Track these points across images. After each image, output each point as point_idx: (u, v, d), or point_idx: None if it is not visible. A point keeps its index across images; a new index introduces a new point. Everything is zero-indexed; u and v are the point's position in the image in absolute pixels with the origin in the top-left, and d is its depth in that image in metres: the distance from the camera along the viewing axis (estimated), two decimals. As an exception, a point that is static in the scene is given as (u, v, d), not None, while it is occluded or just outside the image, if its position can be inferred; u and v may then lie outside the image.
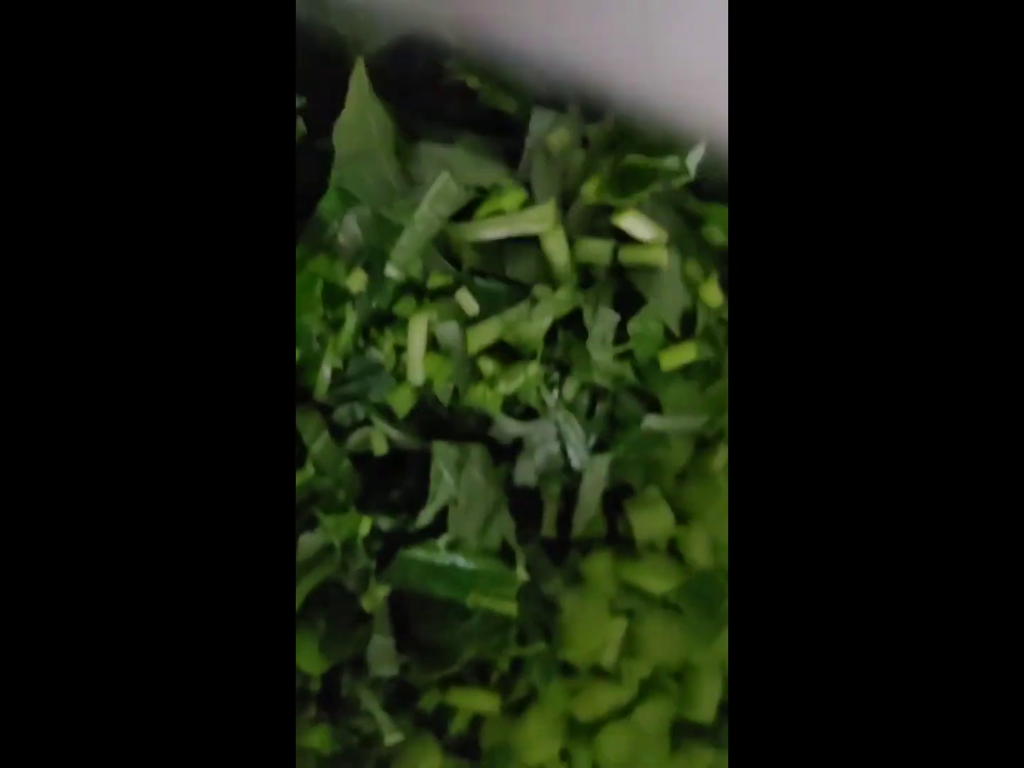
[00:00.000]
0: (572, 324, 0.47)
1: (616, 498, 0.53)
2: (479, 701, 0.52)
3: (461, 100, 0.48)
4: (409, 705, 0.52)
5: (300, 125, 0.44)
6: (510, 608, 0.46)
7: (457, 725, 0.53)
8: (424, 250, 0.43)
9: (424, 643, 0.49)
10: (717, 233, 0.48)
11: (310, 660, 0.48)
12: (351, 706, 0.51)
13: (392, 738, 0.52)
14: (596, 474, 0.50)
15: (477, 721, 0.54)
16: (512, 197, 0.45)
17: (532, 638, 0.48)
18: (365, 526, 0.45)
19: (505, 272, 0.47)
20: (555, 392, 0.46)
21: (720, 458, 0.54)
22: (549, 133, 0.48)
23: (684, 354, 0.47)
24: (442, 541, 0.46)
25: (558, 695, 0.52)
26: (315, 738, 0.51)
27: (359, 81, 0.44)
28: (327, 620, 0.48)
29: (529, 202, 0.46)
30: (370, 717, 0.51)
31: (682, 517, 0.54)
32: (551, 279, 0.47)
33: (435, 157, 0.46)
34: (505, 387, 0.45)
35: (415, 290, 0.44)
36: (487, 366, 0.45)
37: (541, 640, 0.49)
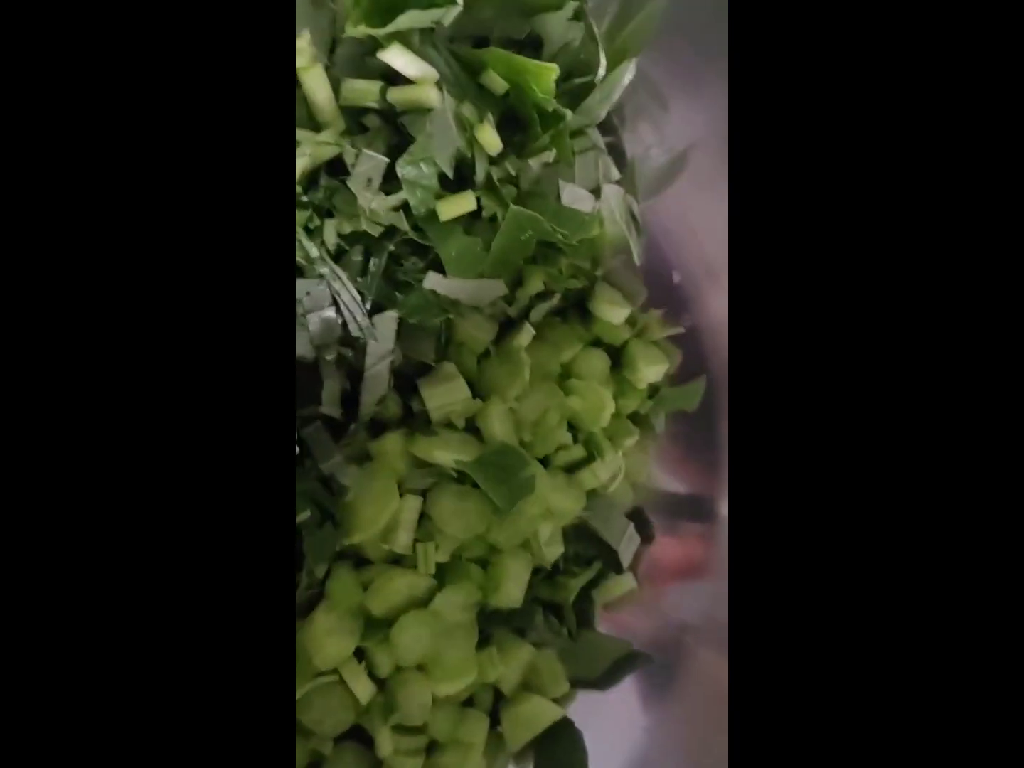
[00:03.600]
0: (339, 170, 0.44)
1: (411, 378, 0.51)
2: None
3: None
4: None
5: None
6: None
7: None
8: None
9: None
10: (497, 80, 0.46)
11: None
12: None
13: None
14: (382, 342, 0.46)
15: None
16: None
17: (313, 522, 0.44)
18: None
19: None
20: (316, 241, 0.42)
21: (524, 336, 0.52)
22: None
23: (462, 204, 0.44)
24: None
25: (348, 588, 0.48)
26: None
27: None
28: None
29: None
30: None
31: (482, 395, 0.51)
32: (314, 121, 0.44)
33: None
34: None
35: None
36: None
37: (324, 523, 0.45)
